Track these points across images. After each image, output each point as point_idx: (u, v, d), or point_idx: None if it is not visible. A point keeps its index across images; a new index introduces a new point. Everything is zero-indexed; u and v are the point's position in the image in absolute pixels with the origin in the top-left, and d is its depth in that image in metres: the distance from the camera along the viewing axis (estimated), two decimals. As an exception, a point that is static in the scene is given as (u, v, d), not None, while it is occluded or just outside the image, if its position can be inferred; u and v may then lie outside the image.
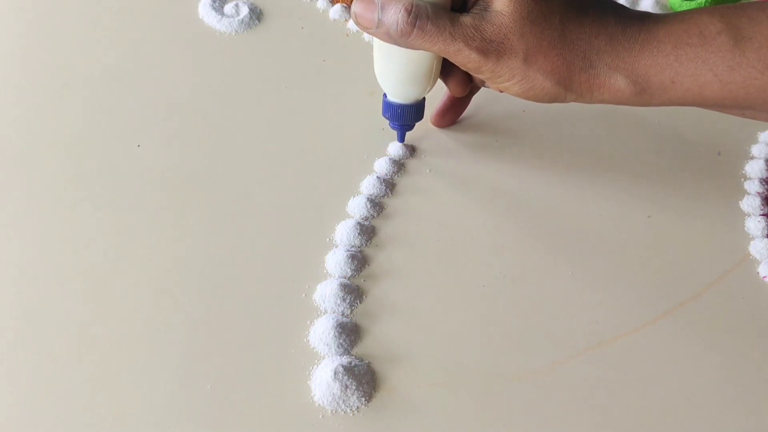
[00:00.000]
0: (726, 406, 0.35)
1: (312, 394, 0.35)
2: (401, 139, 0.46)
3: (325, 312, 0.38)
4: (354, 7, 0.37)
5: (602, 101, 0.37)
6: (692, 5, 0.57)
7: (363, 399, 0.35)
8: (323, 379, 0.35)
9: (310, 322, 0.38)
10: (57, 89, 0.50)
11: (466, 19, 0.36)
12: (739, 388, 0.36)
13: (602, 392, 0.36)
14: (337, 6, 0.57)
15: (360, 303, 0.39)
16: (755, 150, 0.48)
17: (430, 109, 0.47)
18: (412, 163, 0.46)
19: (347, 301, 0.39)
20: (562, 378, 0.36)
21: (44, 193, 0.44)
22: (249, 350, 0.37)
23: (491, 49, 0.35)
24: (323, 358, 0.36)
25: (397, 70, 0.40)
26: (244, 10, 0.56)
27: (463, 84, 0.42)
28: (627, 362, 0.37)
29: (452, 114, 0.48)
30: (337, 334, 0.37)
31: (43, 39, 0.54)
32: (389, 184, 0.45)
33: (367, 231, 0.42)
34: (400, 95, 0.42)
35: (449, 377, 0.36)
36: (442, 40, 0.36)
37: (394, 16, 0.35)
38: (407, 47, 0.37)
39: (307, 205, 0.44)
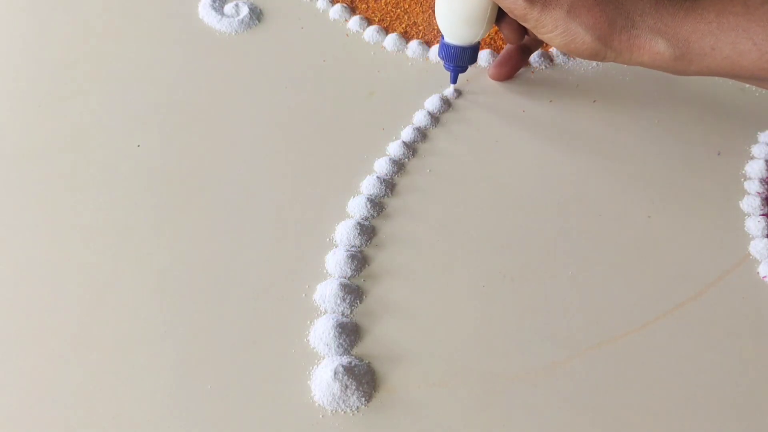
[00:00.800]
0: (726, 406, 0.35)
1: (312, 394, 0.35)
2: (454, 80, 0.49)
3: (325, 312, 0.38)
4: None
5: (641, 63, 0.38)
6: None
7: (363, 399, 0.35)
8: (323, 379, 0.35)
9: (310, 322, 0.38)
10: (57, 89, 0.50)
11: None
12: (739, 388, 0.36)
13: (602, 392, 0.36)
14: (337, 6, 0.57)
15: (360, 303, 0.39)
16: (755, 150, 0.48)
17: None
18: (412, 163, 0.46)
19: (347, 301, 0.39)
20: (562, 378, 0.36)
21: (44, 192, 0.44)
22: (249, 350, 0.37)
23: None
24: (323, 358, 0.36)
25: (454, 12, 0.43)
26: (244, 10, 0.56)
27: (516, 32, 0.45)
28: (627, 362, 0.37)
29: (508, 67, 0.50)
30: (337, 334, 0.37)
31: (43, 39, 0.54)
32: (389, 184, 0.45)
33: (367, 231, 0.42)
34: (456, 37, 0.45)
35: (449, 377, 0.36)
36: None
37: None
38: None
39: (307, 205, 0.44)
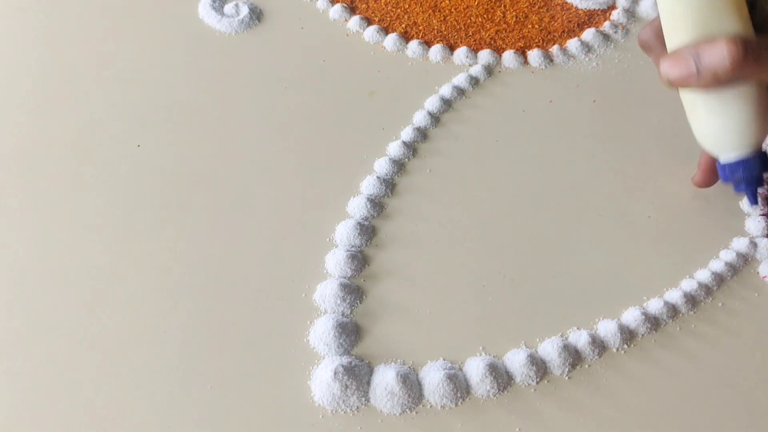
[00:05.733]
0: (726, 406, 0.35)
1: (312, 394, 0.35)
2: (755, 200, 0.37)
3: (325, 312, 0.38)
4: (663, 68, 0.35)
5: None
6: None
7: (363, 399, 0.35)
8: (323, 379, 0.35)
9: (310, 322, 0.38)
10: (57, 89, 0.50)
11: None
12: (739, 389, 0.36)
13: (603, 393, 0.36)
14: (337, 6, 0.57)
15: (360, 303, 0.39)
16: (755, 150, 0.48)
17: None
18: (412, 163, 0.46)
19: (347, 301, 0.39)
20: (562, 378, 0.36)
21: (44, 192, 0.44)
22: (249, 350, 0.37)
23: None
24: (323, 358, 0.36)
25: (734, 116, 0.34)
26: (244, 10, 0.56)
27: (711, 178, 0.42)
28: (627, 362, 0.37)
29: (713, 175, 0.43)
30: (337, 334, 0.37)
31: (43, 39, 0.54)
32: (389, 184, 0.45)
33: (367, 231, 0.42)
34: (744, 144, 0.35)
35: (449, 377, 0.36)
36: None
37: (720, 52, 0.33)
38: (738, 77, 0.33)
39: (307, 205, 0.44)
